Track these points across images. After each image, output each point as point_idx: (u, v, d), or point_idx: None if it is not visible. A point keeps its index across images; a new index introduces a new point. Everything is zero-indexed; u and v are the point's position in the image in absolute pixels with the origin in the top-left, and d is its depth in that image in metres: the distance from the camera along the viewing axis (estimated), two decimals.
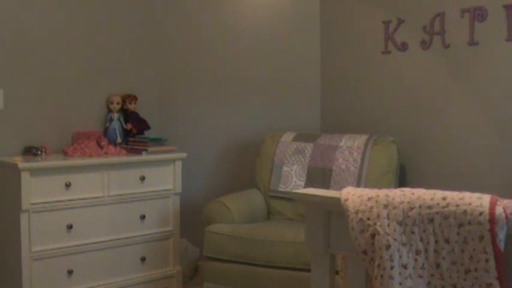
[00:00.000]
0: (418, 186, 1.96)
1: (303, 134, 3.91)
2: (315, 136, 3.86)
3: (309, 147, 3.77)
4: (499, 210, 1.69)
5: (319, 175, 3.66)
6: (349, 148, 3.67)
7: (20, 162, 3.14)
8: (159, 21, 4.16)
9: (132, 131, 3.83)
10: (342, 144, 3.70)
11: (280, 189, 3.76)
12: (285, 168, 3.78)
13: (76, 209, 3.33)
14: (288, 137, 3.89)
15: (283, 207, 3.77)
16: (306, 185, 3.65)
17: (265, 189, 3.85)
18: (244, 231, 3.32)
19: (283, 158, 3.81)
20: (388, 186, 3.37)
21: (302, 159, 3.74)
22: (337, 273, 2.16)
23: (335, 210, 2.02)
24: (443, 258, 1.77)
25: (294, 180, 3.72)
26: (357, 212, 1.91)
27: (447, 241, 1.76)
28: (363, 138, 3.70)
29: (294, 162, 3.76)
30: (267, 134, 4.03)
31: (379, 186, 2.99)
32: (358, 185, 3.53)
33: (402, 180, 3.72)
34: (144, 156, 3.60)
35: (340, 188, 3.24)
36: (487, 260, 1.69)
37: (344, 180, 3.57)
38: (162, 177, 3.66)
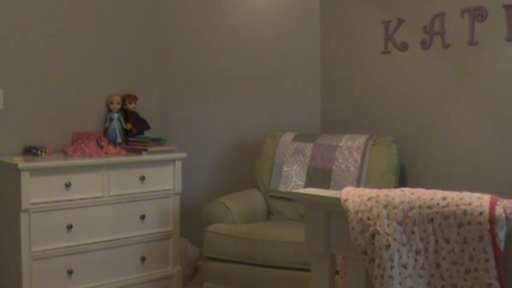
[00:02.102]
0: (418, 186, 1.96)
1: (303, 134, 3.90)
2: (315, 136, 3.86)
3: (309, 147, 3.76)
4: (498, 210, 1.69)
5: (319, 175, 3.66)
6: (349, 148, 3.67)
7: (20, 162, 3.14)
8: (159, 21, 4.16)
9: (132, 131, 3.83)
10: (342, 144, 3.70)
11: (280, 189, 3.76)
12: (285, 168, 3.78)
13: (76, 209, 3.33)
14: (288, 137, 3.89)
15: (283, 207, 3.77)
16: (306, 185, 3.64)
17: (265, 189, 3.85)
18: (244, 231, 3.32)
19: (283, 158, 3.81)
20: (388, 186, 3.37)
21: (302, 159, 3.74)
22: (337, 273, 2.16)
23: (335, 210, 2.02)
24: (443, 258, 1.77)
25: (294, 180, 3.72)
26: (357, 212, 1.91)
27: (447, 241, 1.76)
28: (363, 138, 3.70)
29: (294, 162, 3.76)
30: (267, 134, 4.03)
31: (379, 186, 2.99)
32: (358, 185, 3.53)
33: (402, 180, 3.72)
34: (144, 156, 3.60)
35: (340, 188, 3.24)
36: (487, 260, 1.69)
37: (344, 180, 3.57)
38: (162, 177, 3.66)
